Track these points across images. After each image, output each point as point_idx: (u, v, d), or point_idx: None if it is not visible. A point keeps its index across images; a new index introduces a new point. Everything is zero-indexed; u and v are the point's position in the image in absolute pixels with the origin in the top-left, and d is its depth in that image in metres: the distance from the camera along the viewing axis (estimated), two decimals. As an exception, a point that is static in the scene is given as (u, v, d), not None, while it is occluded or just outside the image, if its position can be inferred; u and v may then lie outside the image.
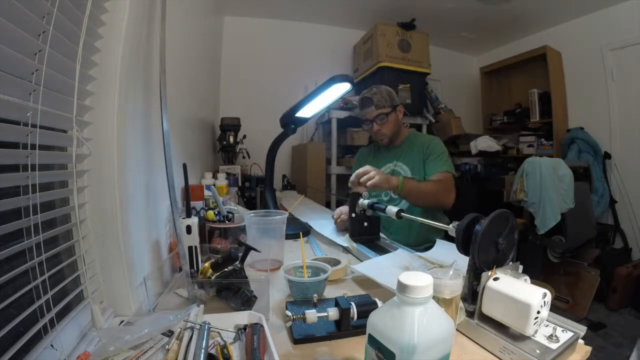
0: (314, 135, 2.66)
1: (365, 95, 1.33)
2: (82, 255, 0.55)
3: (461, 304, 0.57)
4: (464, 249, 0.58)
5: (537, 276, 2.13)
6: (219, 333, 0.54)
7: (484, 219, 0.55)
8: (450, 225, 0.63)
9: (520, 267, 0.59)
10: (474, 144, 2.80)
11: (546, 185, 1.94)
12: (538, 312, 0.47)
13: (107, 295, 0.62)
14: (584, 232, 2.20)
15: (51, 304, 0.46)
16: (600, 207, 2.39)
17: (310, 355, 0.52)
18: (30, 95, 0.44)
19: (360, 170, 1.08)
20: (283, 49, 2.75)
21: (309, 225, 1.28)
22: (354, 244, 1.03)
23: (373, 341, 0.38)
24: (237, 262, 0.70)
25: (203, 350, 0.47)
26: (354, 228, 1.07)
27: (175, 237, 0.75)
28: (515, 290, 0.50)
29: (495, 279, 0.53)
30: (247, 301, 0.63)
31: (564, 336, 0.51)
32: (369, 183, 1.04)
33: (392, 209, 0.90)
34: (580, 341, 0.53)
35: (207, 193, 1.09)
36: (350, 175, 1.13)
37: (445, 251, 0.94)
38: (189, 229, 0.74)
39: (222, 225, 0.94)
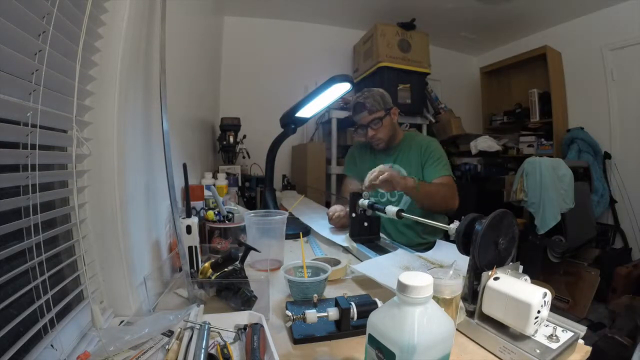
0: (314, 135, 2.66)
1: (357, 101, 1.31)
2: (82, 255, 0.55)
3: (461, 304, 0.57)
4: (464, 249, 0.58)
5: (537, 276, 2.13)
6: (219, 333, 0.54)
7: (484, 219, 0.55)
8: (451, 226, 0.63)
9: (521, 267, 0.59)
10: (474, 144, 2.80)
11: (546, 185, 1.94)
12: (538, 312, 0.47)
13: (107, 295, 0.62)
14: (584, 232, 2.20)
15: (51, 304, 0.46)
16: (600, 207, 2.38)
17: (310, 355, 0.52)
18: (30, 95, 0.44)
19: (377, 169, 1.05)
20: (283, 49, 2.74)
21: (309, 227, 1.28)
22: (354, 244, 1.03)
23: (373, 341, 0.38)
24: (237, 262, 0.70)
25: (203, 350, 0.46)
26: (354, 228, 1.07)
27: (175, 237, 0.75)
28: (516, 290, 0.50)
29: (496, 278, 0.53)
30: (247, 301, 0.63)
31: (564, 336, 0.51)
32: (386, 174, 1.01)
33: (392, 209, 0.90)
34: (580, 341, 0.53)
35: (207, 193, 1.09)
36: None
37: (445, 251, 0.94)
38: (189, 229, 0.74)
39: (222, 225, 0.94)
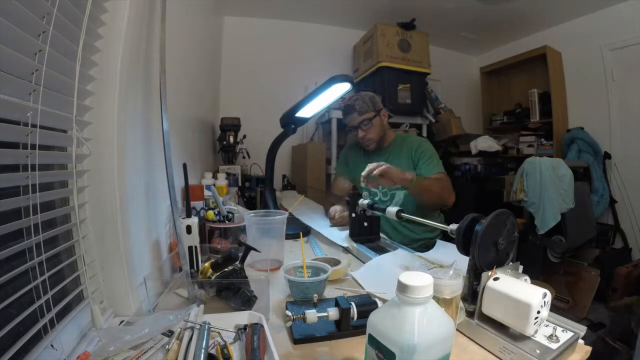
0: (314, 135, 2.66)
1: (347, 103, 1.35)
2: (82, 255, 0.55)
3: (461, 304, 0.57)
4: (464, 249, 0.58)
5: (537, 276, 2.13)
6: (219, 333, 0.54)
7: (484, 219, 0.55)
8: (450, 226, 0.63)
9: (521, 267, 0.59)
10: (474, 144, 2.80)
11: (546, 185, 1.94)
12: (538, 312, 0.47)
13: (107, 295, 0.62)
14: (584, 232, 2.20)
15: (51, 304, 0.46)
16: (600, 207, 2.38)
17: (310, 355, 0.52)
18: (30, 95, 0.44)
19: (374, 164, 1.07)
20: (283, 49, 2.74)
21: (309, 226, 1.28)
22: (354, 244, 1.03)
23: (373, 341, 0.38)
24: (237, 262, 0.70)
25: (203, 350, 0.47)
26: (354, 228, 1.07)
27: (175, 237, 0.75)
28: (516, 290, 0.50)
29: (496, 279, 0.53)
30: (247, 301, 0.63)
31: (564, 336, 0.51)
32: (384, 166, 1.03)
33: (392, 210, 0.90)
34: (580, 341, 0.53)
35: (207, 193, 1.09)
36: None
37: (445, 251, 0.94)
38: (189, 229, 0.74)
39: (222, 225, 0.94)
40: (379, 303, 0.56)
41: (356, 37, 2.74)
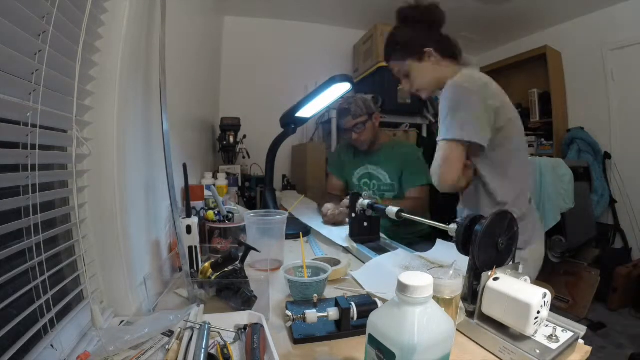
0: (314, 135, 2.66)
1: (342, 107, 1.45)
2: (82, 255, 0.55)
3: (461, 304, 0.57)
4: (464, 249, 0.58)
5: (537, 276, 2.13)
6: (219, 333, 0.54)
7: (484, 219, 0.55)
8: (450, 226, 0.63)
9: (521, 267, 0.59)
10: (474, 144, 2.80)
11: (546, 185, 1.94)
12: (538, 312, 0.47)
13: (107, 295, 0.62)
14: (584, 232, 2.20)
15: (51, 304, 0.46)
16: (600, 207, 2.39)
17: (310, 355, 0.52)
18: (30, 95, 0.44)
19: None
20: (283, 49, 2.74)
21: (309, 227, 1.28)
22: (354, 244, 1.03)
23: (373, 341, 0.38)
24: (237, 262, 0.70)
25: (203, 350, 0.46)
26: (354, 228, 1.07)
27: (175, 237, 0.75)
28: (516, 290, 0.50)
29: (495, 279, 0.53)
30: (247, 301, 0.63)
31: (564, 336, 0.51)
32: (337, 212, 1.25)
33: (392, 209, 0.90)
34: (580, 341, 0.53)
35: (207, 193, 1.09)
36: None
37: (445, 251, 0.94)
38: (189, 229, 0.74)
39: (222, 225, 0.94)
40: (379, 303, 0.56)
41: (356, 37, 2.73)
